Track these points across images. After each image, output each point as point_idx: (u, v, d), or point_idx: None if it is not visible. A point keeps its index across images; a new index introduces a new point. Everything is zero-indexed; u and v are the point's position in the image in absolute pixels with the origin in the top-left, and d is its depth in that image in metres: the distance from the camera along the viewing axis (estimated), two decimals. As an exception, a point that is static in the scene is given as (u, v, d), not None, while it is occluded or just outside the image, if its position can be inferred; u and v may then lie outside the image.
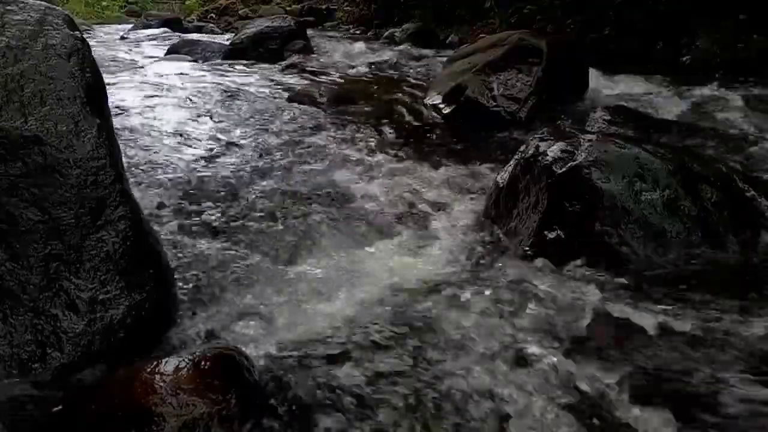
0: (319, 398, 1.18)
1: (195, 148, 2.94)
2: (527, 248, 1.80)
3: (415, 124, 3.43)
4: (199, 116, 3.54)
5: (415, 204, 2.27)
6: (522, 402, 1.16)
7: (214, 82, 4.62)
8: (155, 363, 1.12)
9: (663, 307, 1.46)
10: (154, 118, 3.43)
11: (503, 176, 2.13)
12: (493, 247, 1.93)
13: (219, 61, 6.05)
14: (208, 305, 1.59)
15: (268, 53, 6.19)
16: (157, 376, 1.08)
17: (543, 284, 1.58)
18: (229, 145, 3.01)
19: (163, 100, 3.94)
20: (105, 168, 1.40)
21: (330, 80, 4.85)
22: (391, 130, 3.28)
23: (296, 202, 2.27)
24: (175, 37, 8.44)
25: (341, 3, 12.56)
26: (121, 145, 1.59)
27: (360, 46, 7.31)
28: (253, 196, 2.31)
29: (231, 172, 2.61)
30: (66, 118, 1.38)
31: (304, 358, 1.32)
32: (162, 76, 4.84)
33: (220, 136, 3.16)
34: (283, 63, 5.81)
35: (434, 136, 3.23)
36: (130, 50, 7.32)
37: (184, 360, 1.12)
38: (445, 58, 4.66)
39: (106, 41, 8.65)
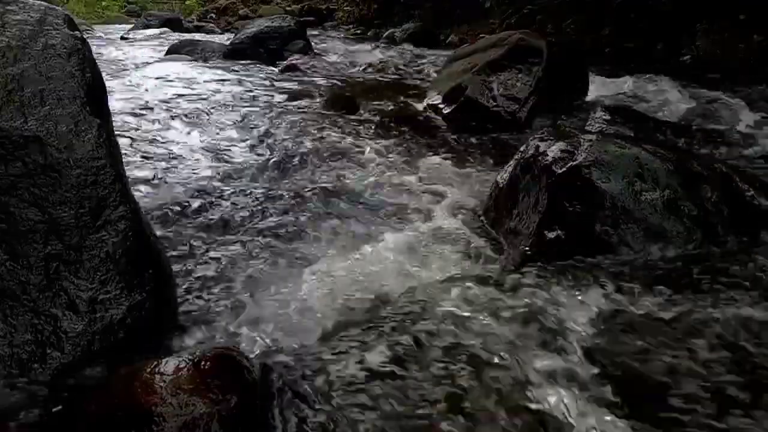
0: (320, 397, 1.18)
1: (194, 148, 2.94)
2: (527, 248, 1.80)
3: (415, 124, 3.43)
4: (198, 116, 3.54)
5: (414, 204, 2.27)
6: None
7: (213, 83, 4.63)
8: (155, 363, 1.12)
9: (663, 306, 1.45)
10: (154, 118, 3.43)
11: (503, 176, 2.13)
12: (494, 246, 1.93)
13: (219, 61, 6.05)
14: (208, 305, 1.59)
15: (268, 53, 6.20)
16: (157, 376, 1.08)
17: (542, 284, 1.58)
18: (228, 144, 3.01)
19: (163, 100, 3.94)
20: (105, 168, 1.39)
21: (330, 80, 4.85)
22: (391, 130, 3.28)
23: (295, 201, 2.27)
24: (175, 37, 8.45)
25: (341, 3, 12.57)
26: (121, 145, 1.59)
27: (360, 46, 7.33)
28: (254, 195, 2.31)
29: (230, 171, 2.61)
30: (66, 118, 1.38)
31: (305, 357, 1.32)
32: (162, 76, 4.84)
33: (219, 135, 3.16)
34: (283, 63, 5.82)
35: (434, 136, 3.23)
36: (131, 50, 7.33)
37: (184, 360, 1.12)
38: (445, 58, 4.65)
39: (107, 41, 8.65)
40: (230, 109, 3.74)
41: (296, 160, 2.77)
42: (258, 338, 1.45)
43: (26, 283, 1.27)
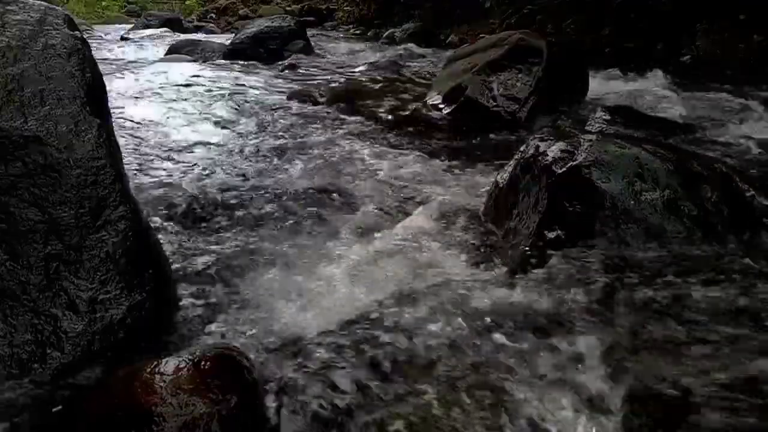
0: (319, 397, 1.18)
1: (195, 147, 2.94)
2: (527, 248, 1.80)
3: (415, 124, 3.43)
4: (198, 116, 3.54)
5: (414, 204, 2.27)
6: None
7: (213, 82, 4.63)
8: (155, 363, 1.12)
9: (663, 306, 1.46)
10: (154, 118, 3.43)
11: (503, 176, 2.13)
12: (493, 246, 1.93)
13: (219, 61, 6.06)
14: (208, 305, 1.59)
15: (268, 53, 6.20)
16: (157, 376, 1.08)
17: (542, 284, 1.58)
18: (229, 144, 3.01)
19: (163, 100, 3.94)
20: (105, 168, 1.40)
21: (330, 80, 4.85)
22: (391, 130, 3.28)
23: (295, 201, 2.27)
24: (175, 37, 8.46)
25: (341, 3, 12.57)
26: (121, 145, 1.59)
27: (360, 46, 7.33)
28: (253, 195, 2.31)
29: (230, 171, 2.61)
30: (66, 118, 1.38)
31: (306, 356, 1.32)
32: (162, 76, 4.84)
33: (219, 135, 3.16)
34: (283, 63, 5.82)
35: (434, 136, 3.23)
36: (131, 50, 7.33)
37: (184, 360, 1.12)
38: (445, 58, 4.65)
39: (107, 41, 8.65)
40: (230, 109, 3.74)
41: (297, 159, 2.77)
42: (258, 338, 1.45)
43: (26, 283, 1.27)
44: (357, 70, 5.61)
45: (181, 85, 4.48)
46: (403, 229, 2.05)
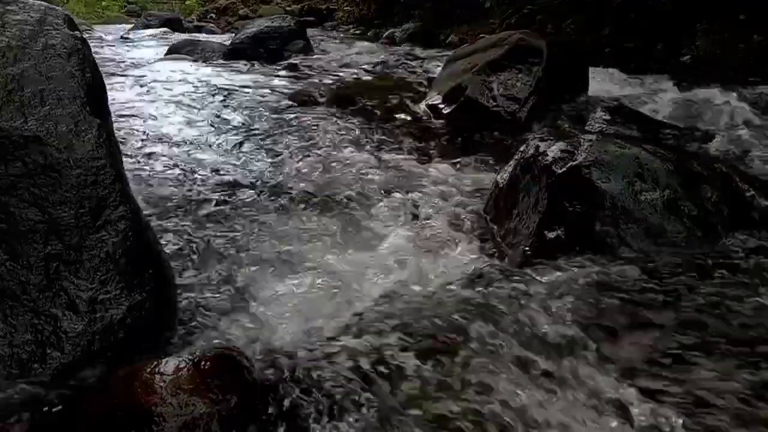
0: (319, 396, 1.18)
1: (195, 148, 2.94)
2: (527, 248, 1.80)
3: (415, 124, 3.43)
4: (198, 116, 3.54)
5: (414, 204, 2.27)
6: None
7: (214, 82, 4.63)
8: (155, 363, 1.12)
9: (662, 306, 1.46)
10: (155, 119, 3.43)
11: (503, 176, 2.13)
12: (493, 246, 1.93)
13: (219, 61, 6.04)
14: (207, 305, 1.59)
15: (268, 53, 6.19)
16: (157, 376, 1.08)
17: (542, 284, 1.58)
18: (229, 144, 3.01)
19: (163, 100, 3.94)
20: (105, 168, 1.40)
21: (330, 80, 4.85)
22: (391, 131, 3.28)
23: (296, 201, 2.27)
24: (175, 37, 8.45)
25: (341, 3, 12.55)
26: (121, 145, 1.59)
27: (360, 46, 7.32)
28: (254, 196, 2.31)
29: (231, 171, 2.61)
30: (66, 118, 1.38)
31: (304, 357, 1.32)
32: (162, 76, 4.84)
33: (219, 136, 3.16)
34: (283, 63, 5.81)
35: (434, 136, 3.23)
36: (131, 50, 7.33)
37: (184, 360, 1.12)
38: (445, 58, 4.65)
39: (107, 41, 8.65)
40: (230, 109, 3.74)
41: (297, 159, 2.77)
42: (258, 337, 1.45)
43: (26, 283, 1.27)
44: (357, 70, 5.60)
45: (181, 85, 4.48)
46: (402, 229, 2.05)
